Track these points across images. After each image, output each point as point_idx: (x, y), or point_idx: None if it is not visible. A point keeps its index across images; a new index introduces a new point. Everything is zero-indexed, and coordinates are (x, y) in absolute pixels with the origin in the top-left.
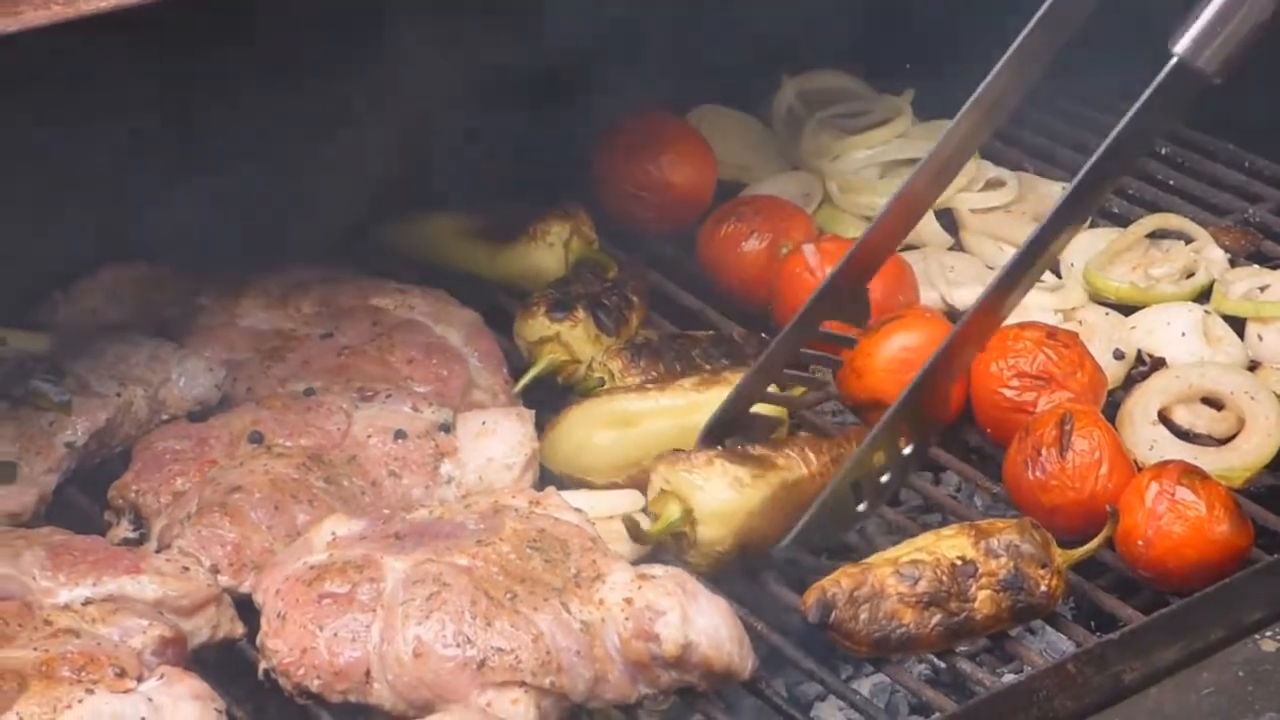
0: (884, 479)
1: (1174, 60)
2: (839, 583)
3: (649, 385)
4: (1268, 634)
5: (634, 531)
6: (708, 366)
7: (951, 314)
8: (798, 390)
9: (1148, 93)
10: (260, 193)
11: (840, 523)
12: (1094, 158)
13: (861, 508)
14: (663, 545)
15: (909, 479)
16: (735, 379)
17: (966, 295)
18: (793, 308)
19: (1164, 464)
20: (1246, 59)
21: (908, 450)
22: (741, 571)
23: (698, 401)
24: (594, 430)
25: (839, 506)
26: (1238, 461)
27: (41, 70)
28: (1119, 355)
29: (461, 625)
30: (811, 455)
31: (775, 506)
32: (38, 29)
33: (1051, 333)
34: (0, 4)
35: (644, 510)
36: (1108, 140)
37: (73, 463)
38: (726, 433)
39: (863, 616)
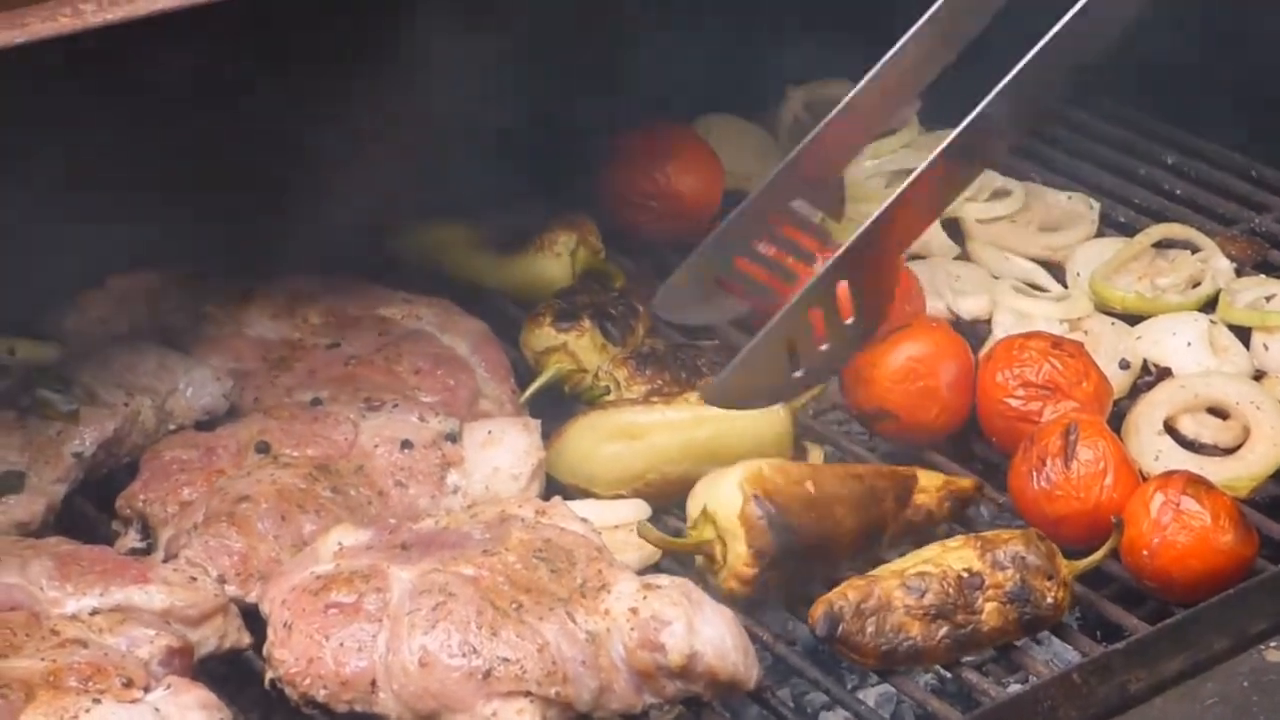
0: (823, 348)
1: None
2: (846, 595)
3: (655, 398)
4: (1272, 644)
5: (652, 539)
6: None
7: (958, 323)
8: (799, 403)
9: None
10: (267, 202)
11: (774, 384)
12: (1035, 48)
13: (798, 374)
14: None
15: (851, 356)
16: None
17: (973, 305)
18: None
19: (1169, 474)
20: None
21: (849, 321)
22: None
23: (703, 415)
24: (599, 441)
25: (771, 363)
26: (1243, 471)
27: (47, 80)
28: (1124, 365)
29: (467, 635)
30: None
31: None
32: (44, 40)
33: (1057, 342)
34: (6, 15)
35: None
36: (1051, 32)
37: (80, 472)
38: (681, 306)
39: (870, 629)
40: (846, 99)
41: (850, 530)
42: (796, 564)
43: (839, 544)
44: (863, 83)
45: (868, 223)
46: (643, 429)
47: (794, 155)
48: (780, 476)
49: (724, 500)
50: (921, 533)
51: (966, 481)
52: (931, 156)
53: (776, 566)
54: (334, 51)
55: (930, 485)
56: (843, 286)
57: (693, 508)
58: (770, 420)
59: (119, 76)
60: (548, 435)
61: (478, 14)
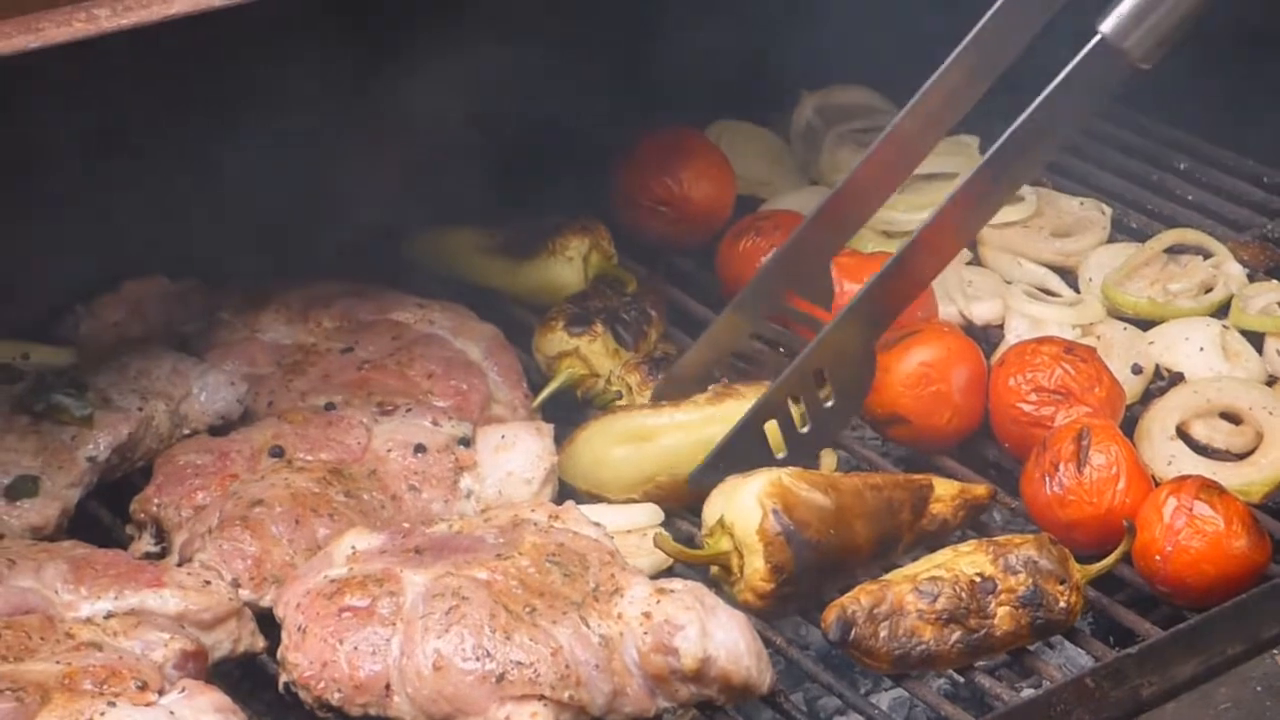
0: (804, 430)
1: (1097, 38)
2: (858, 600)
3: (664, 401)
4: None
5: (669, 549)
6: (724, 380)
7: (970, 329)
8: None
9: (1068, 69)
10: (281, 207)
11: (759, 465)
12: (1006, 134)
13: (781, 456)
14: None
15: (836, 437)
16: (749, 392)
17: (985, 310)
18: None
19: (1182, 479)
20: (1175, 48)
21: (829, 404)
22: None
23: (712, 415)
24: (609, 445)
25: (752, 449)
26: (1256, 476)
27: (63, 86)
28: (1137, 370)
29: (481, 639)
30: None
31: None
32: (59, 45)
33: (1070, 347)
34: (21, 20)
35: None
36: (1022, 116)
37: (94, 476)
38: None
39: (882, 634)
40: (873, 146)
41: (867, 543)
42: (813, 578)
43: (856, 557)
44: (894, 121)
45: (842, 312)
46: (652, 431)
47: (821, 205)
48: (799, 488)
49: (742, 512)
50: (935, 539)
51: (981, 489)
52: (894, 257)
53: (793, 582)
54: (347, 55)
55: (946, 494)
56: (819, 373)
57: (709, 515)
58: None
59: (135, 79)
60: (560, 440)
61: (490, 19)
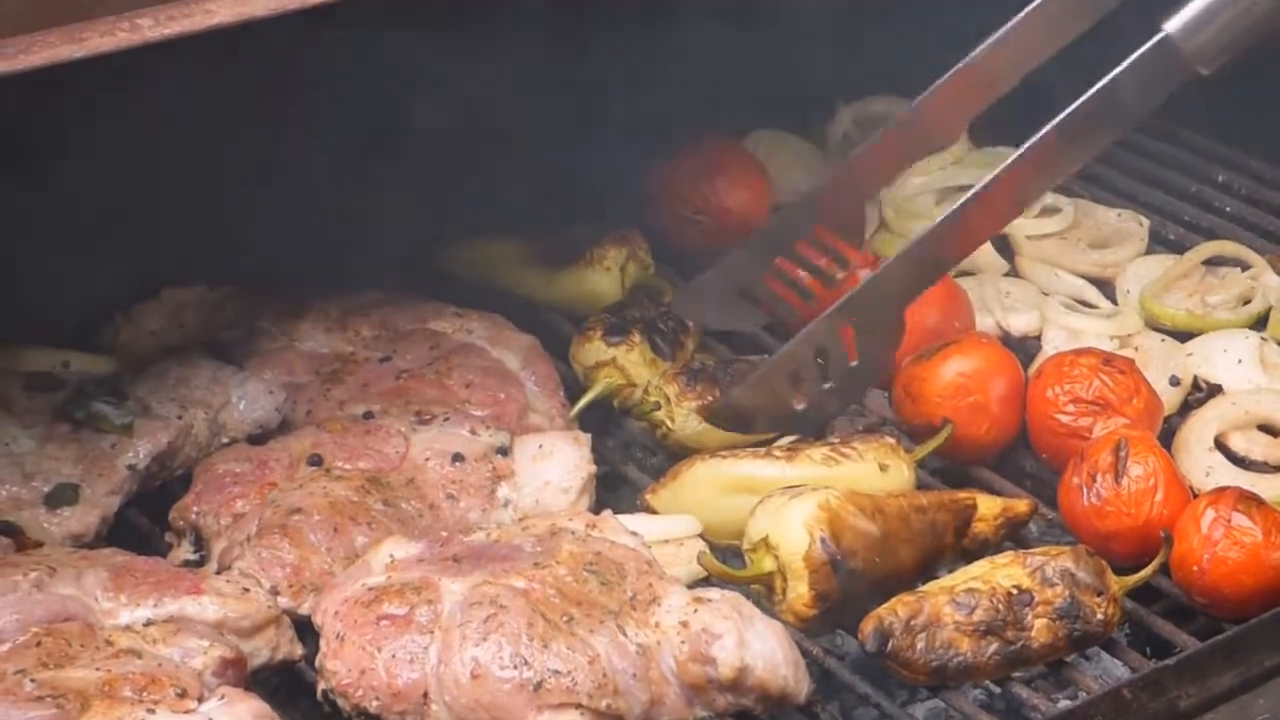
0: (826, 386)
1: (1161, 35)
2: (895, 611)
3: (777, 452)
4: None
5: (713, 569)
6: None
7: (1007, 340)
8: (919, 455)
9: (1127, 62)
10: (319, 216)
11: (776, 414)
12: (1053, 122)
13: (800, 406)
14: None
15: (859, 398)
16: (867, 453)
17: (1022, 321)
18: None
19: (1220, 490)
20: (1237, 58)
21: (854, 364)
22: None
23: (826, 475)
24: (717, 492)
25: (774, 393)
26: None
27: (101, 94)
28: (1175, 382)
29: (518, 647)
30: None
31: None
32: (103, 55)
33: (1108, 359)
34: (65, 30)
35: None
36: (1073, 104)
37: (134, 485)
38: (699, 308)
39: (920, 645)
40: (896, 117)
41: (911, 567)
42: (856, 603)
43: (898, 580)
44: (915, 102)
45: (876, 271)
46: (763, 484)
47: (832, 175)
48: (847, 512)
49: (788, 535)
50: (974, 556)
51: (1023, 505)
52: (938, 220)
53: (836, 608)
54: (385, 65)
55: (989, 514)
56: (848, 329)
57: (753, 531)
58: (894, 480)
59: (174, 89)
60: (597, 449)
61: (529, 32)
